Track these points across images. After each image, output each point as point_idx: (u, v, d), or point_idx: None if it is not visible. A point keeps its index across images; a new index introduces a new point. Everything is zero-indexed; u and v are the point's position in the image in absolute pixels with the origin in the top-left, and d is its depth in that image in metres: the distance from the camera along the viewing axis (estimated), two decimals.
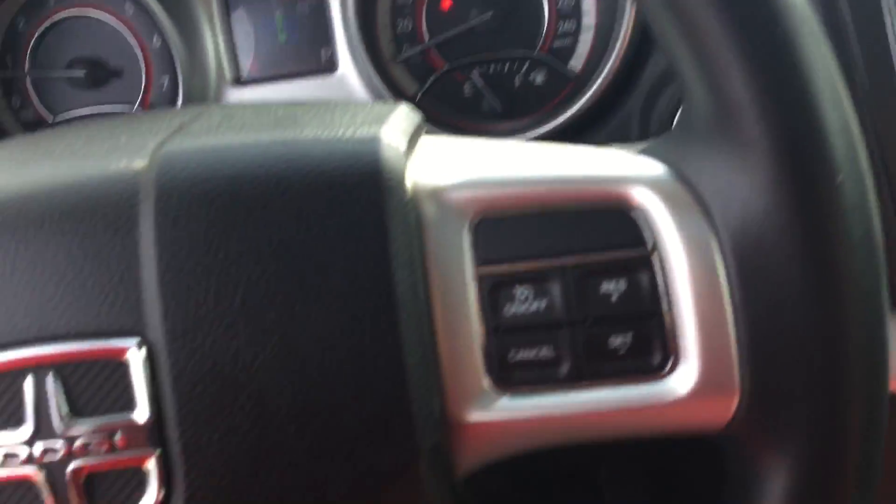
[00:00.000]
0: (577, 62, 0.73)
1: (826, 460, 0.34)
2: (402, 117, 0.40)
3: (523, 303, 0.36)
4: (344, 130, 0.37)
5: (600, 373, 0.36)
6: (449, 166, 0.38)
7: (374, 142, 0.36)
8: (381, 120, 0.39)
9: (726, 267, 0.35)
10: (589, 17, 0.73)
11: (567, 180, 0.37)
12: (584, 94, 0.69)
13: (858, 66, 0.56)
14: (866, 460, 0.34)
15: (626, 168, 0.37)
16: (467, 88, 0.75)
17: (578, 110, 0.69)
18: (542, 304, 0.36)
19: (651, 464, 0.75)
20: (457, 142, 0.41)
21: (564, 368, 0.36)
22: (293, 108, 0.41)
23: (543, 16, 0.73)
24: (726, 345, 0.35)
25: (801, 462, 0.34)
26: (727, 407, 0.36)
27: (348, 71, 0.73)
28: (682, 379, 0.36)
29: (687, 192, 0.36)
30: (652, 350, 0.36)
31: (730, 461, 0.38)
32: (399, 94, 0.74)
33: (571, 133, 0.69)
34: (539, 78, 0.74)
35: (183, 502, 0.35)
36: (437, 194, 0.37)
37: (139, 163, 0.36)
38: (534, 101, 0.74)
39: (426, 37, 0.74)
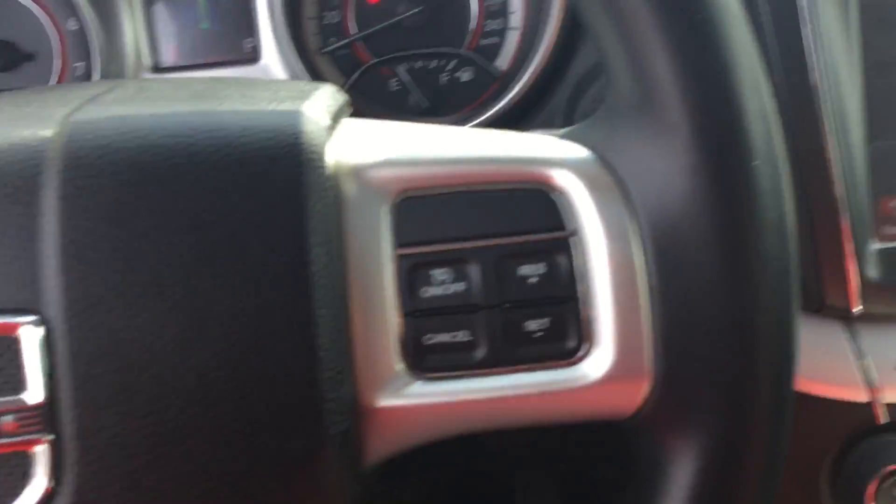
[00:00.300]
0: (503, 61, 0.74)
1: (732, 446, 0.35)
2: (327, 96, 0.39)
3: (441, 285, 0.36)
4: (265, 104, 0.36)
5: (515, 357, 0.36)
6: (371, 146, 0.38)
7: (296, 115, 0.35)
8: (304, 96, 0.38)
9: (644, 251, 0.35)
10: (516, 16, 0.73)
11: (488, 161, 0.36)
12: (509, 91, 0.69)
13: (776, 69, 0.57)
14: (772, 447, 0.35)
15: (547, 151, 0.37)
16: (393, 84, 0.74)
17: (502, 108, 0.69)
18: (461, 286, 0.36)
19: (564, 472, 0.75)
20: (380, 124, 0.40)
21: (480, 353, 0.36)
22: (213, 82, 0.40)
23: (471, 14, 0.73)
24: (640, 330, 0.35)
25: (708, 448, 0.35)
26: (638, 392, 0.36)
27: (272, 62, 0.72)
28: (596, 364, 0.36)
29: (608, 175, 0.36)
30: (567, 334, 0.36)
31: (638, 448, 0.38)
32: None
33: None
34: (466, 75, 0.74)
35: (72, 492, 0.33)
36: (357, 172, 0.36)
37: (46, 131, 0.34)
38: (460, 99, 0.74)
39: (353, 30, 0.74)
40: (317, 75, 0.72)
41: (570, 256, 0.36)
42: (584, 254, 0.36)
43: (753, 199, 0.33)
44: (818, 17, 0.56)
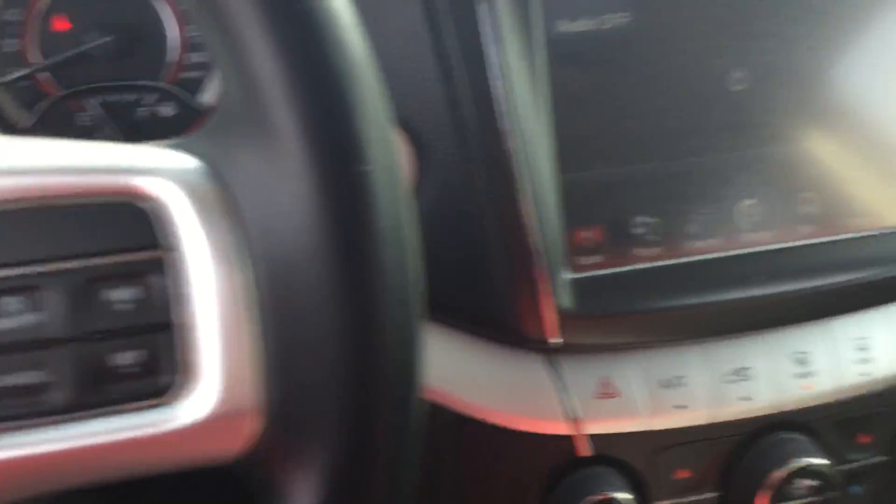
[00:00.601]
0: (210, 95, 0.69)
1: (352, 478, 0.31)
2: None
3: (8, 318, 0.30)
4: None
5: (100, 399, 0.30)
6: None
7: None
8: None
9: (255, 270, 0.31)
10: None
11: (66, 171, 0.31)
12: None
13: (468, 111, 0.56)
14: (396, 469, 0.31)
15: (142, 160, 0.33)
16: (85, 118, 0.67)
17: None
18: (32, 318, 0.30)
19: None
20: None
21: (56, 396, 0.30)
22: None
23: (170, 46, 0.68)
24: (247, 360, 0.31)
25: (326, 482, 0.31)
26: (246, 430, 0.31)
27: None
28: (197, 401, 0.31)
29: (216, 187, 0.32)
30: (163, 369, 0.31)
31: (257, 489, 0.34)
32: (2, 123, 0.65)
33: None
34: (168, 110, 0.69)
35: None
36: None
37: None
38: (161, 134, 0.68)
39: (35, 59, 0.66)
40: None
41: (166, 278, 0.31)
42: (183, 275, 0.31)
43: (365, 208, 0.31)
44: (507, 57, 0.55)
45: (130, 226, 0.31)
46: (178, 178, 0.32)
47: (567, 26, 0.58)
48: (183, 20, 0.69)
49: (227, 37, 0.31)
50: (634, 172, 0.59)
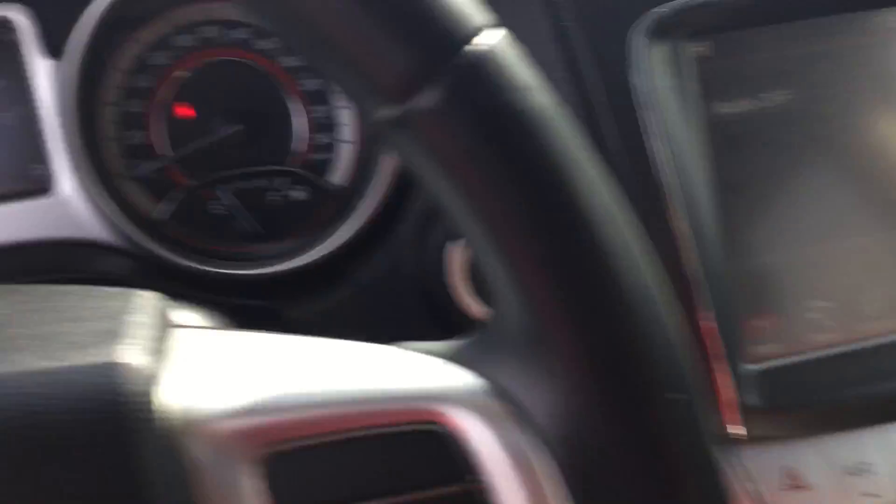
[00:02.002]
0: (337, 177, 0.67)
1: None
2: (142, 317, 0.31)
3: None
4: (66, 352, 0.28)
5: None
6: (218, 383, 0.30)
7: (107, 371, 0.27)
8: (115, 330, 0.29)
9: (566, 486, 0.30)
10: (348, 130, 0.67)
11: (369, 399, 0.30)
12: (351, 212, 0.63)
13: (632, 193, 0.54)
14: None
15: (436, 380, 0.31)
16: (218, 206, 0.66)
17: (344, 231, 0.62)
18: None
19: None
20: (221, 340, 0.32)
21: None
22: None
23: (296, 129, 0.66)
24: None
25: None
26: None
27: (67, 191, 0.62)
28: None
29: (507, 406, 0.30)
30: None
31: None
32: (134, 215, 0.63)
33: (340, 260, 0.62)
34: (299, 193, 0.67)
35: None
36: (205, 426, 0.28)
37: None
38: (294, 219, 0.66)
39: (163, 150, 0.65)
40: (124, 203, 0.63)
41: None
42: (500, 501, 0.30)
43: (669, 433, 0.29)
44: (671, 147, 0.53)
45: (429, 457, 0.29)
46: (471, 401, 0.30)
47: (726, 108, 0.56)
48: (308, 102, 0.66)
49: (514, 277, 0.29)
50: (806, 255, 0.57)
